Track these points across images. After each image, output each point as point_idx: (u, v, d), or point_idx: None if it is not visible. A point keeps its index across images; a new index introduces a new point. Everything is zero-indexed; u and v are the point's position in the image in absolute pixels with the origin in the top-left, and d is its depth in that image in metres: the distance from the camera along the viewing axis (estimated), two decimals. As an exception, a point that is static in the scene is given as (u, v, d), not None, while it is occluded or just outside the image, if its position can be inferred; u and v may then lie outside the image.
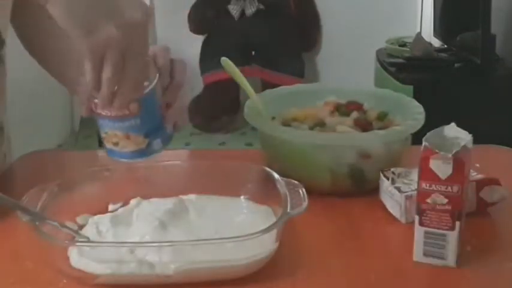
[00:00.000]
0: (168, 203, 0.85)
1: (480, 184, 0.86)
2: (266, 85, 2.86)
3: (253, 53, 3.29)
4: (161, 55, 0.81)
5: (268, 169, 0.86)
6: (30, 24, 1.02)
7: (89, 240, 0.79)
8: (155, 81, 0.79)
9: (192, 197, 0.88)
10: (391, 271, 0.77)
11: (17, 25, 1.02)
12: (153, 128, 0.81)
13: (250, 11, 3.31)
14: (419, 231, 0.76)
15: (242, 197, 0.88)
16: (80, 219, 0.83)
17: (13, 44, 1.02)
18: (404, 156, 0.96)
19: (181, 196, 0.88)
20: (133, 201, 0.87)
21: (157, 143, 0.82)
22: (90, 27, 0.71)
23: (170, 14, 3.45)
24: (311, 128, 0.98)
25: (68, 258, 0.74)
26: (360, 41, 3.27)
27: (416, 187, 0.76)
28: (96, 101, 0.77)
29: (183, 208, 0.85)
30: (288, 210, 0.75)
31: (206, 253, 0.72)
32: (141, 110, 0.78)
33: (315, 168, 0.93)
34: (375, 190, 0.91)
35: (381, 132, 0.95)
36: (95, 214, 0.84)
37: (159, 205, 0.85)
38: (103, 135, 0.81)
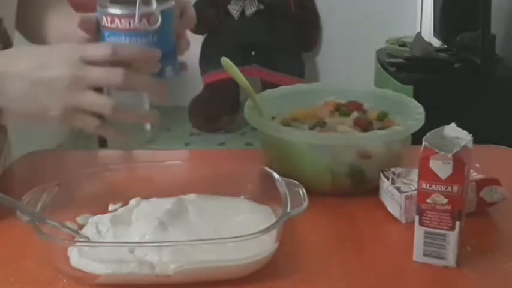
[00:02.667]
0: (168, 203, 0.85)
1: (480, 184, 0.86)
2: (266, 85, 2.86)
3: (253, 53, 3.29)
4: None
5: (268, 169, 0.86)
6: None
7: (89, 240, 0.79)
8: (173, 2, 0.77)
9: (192, 197, 0.88)
10: (391, 271, 0.77)
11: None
12: (168, 53, 0.78)
13: (250, 11, 3.31)
14: (419, 231, 0.76)
15: (242, 197, 0.88)
16: (80, 219, 0.83)
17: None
18: (405, 156, 0.96)
19: (181, 196, 0.88)
20: (133, 201, 0.87)
21: (169, 70, 0.80)
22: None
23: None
24: (311, 128, 0.98)
25: (68, 258, 0.74)
26: (360, 41, 3.27)
27: (416, 187, 0.76)
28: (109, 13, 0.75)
29: (183, 208, 0.85)
30: (288, 210, 0.75)
31: (206, 253, 0.72)
32: (161, 27, 0.75)
33: (315, 168, 0.93)
34: (375, 190, 0.91)
35: (381, 132, 0.95)
36: (95, 214, 0.84)
37: (159, 205, 0.85)
38: None
